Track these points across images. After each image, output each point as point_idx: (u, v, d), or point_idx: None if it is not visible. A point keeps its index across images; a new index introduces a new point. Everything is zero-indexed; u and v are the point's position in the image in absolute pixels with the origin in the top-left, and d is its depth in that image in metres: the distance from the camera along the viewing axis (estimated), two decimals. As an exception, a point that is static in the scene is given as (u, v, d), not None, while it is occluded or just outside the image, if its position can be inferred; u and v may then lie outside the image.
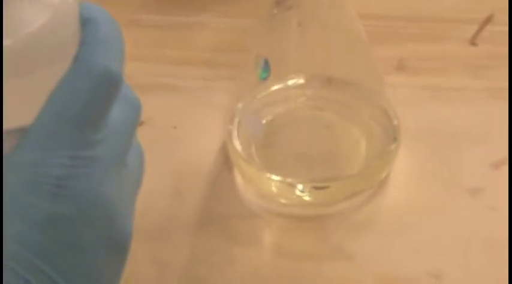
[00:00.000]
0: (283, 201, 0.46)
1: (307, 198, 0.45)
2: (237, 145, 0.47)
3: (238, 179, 0.48)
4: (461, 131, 0.50)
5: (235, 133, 0.48)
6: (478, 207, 0.45)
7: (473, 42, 0.51)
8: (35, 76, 0.33)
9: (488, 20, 0.52)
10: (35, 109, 0.33)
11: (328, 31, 0.46)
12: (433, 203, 0.47)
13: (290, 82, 0.49)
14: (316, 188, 0.46)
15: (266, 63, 0.45)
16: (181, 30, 0.61)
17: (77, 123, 0.33)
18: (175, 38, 0.60)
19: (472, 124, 0.51)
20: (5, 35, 0.31)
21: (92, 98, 0.33)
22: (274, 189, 0.46)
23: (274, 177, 0.45)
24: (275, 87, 0.48)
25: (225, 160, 0.49)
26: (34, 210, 0.33)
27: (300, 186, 0.45)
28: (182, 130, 0.53)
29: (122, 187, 0.36)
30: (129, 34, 0.54)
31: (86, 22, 0.34)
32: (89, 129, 0.33)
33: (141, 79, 0.53)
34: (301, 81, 0.49)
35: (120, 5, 0.61)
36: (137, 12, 0.61)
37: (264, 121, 0.48)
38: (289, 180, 0.45)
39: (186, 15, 0.62)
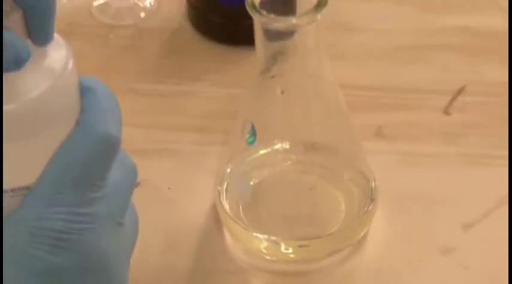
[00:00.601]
0: (268, 257, 0.48)
1: (291, 255, 0.48)
2: (226, 205, 0.49)
3: (227, 236, 0.50)
4: (434, 194, 0.53)
5: (223, 194, 0.50)
6: (450, 265, 0.48)
7: (446, 111, 0.54)
8: (38, 139, 0.35)
9: (460, 91, 0.55)
10: (38, 170, 0.35)
11: (309, 99, 0.49)
12: (408, 261, 0.50)
13: (276, 147, 0.51)
14: (299, 246, 0.48)
15: (253, 128, 0.48)
16: (176, 98, 0.62)
17: (78, 182, 0.35)
18: (170, 105, 0.62)
19: (445, 188, 0.53)
20: (8, 100, 0.34)
21: (92, 160, 0.35)
22: (260, 246, 0.48)
23: (260, 236, 0.47)
24: (262, 152, 0.51)
25: (215, 219, 0.51)
26: (34, 259, 0.34)
27: (284, 244, 0.47)
28: (176, 190, 0.55)
29: (119, 243, 0.38)
30: (128, 101, 0.56)
31: (85, 91, 0.36)
32: (88, 188, 0.35)
33: (139, 144, 0.58)
34: (287, 146, 0.51)
35: (120, 73, 0.64)
36: (135, 81, 0.63)
37: (251, 183, 0.51)
38: (274, 238, 0.47)
39: (180, 84, 0.64)
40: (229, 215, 0.49)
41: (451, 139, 0.56)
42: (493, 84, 0.61)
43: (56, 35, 0.37)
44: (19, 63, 0.34)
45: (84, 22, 0.70)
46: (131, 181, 0.39)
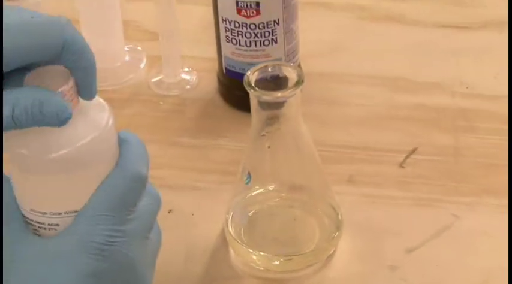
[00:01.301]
0: (261, 268, 0.58)
1: (277, 267, 0.58)
2: (231, 229, 0.59)
3: (231, 252, 0.59)
4: (386, 225, 0.61)
5: (229, 221, 0.60)
6: (394, 279, 0.57)
7: (401, 165, 0.64)
8: (86, 174, 0.42)
9: (413, 151, 0.65)
10: (85, 198, 0.42)
11: (291, 152, 0.57)
12: (363, 275, 0.59)
13: (267, 187, 0.61)
14: (284, 260, 0.57)
15: (249, 173, 0.57)
16: (205, 149, 0.71)
17: (116, 207, 0.42)
18: (201, 154, 0.71)
19: (394, 221, 0.61)
20: (63, 145, 0.41)
21: (126, 192, 0.43)
22: (255, 259, 0.57)
23: (255, 252, 0.57)
24: (257, 191, 0.60)
25: (223, 239, 0.60)
26: (81, 264, 0.42)
27: (272, 258, 0.57)
28: (197, 216, 0.63)
29: (145, 253, 0.45)
30: (171, 150, 0.69)
31: (122, 141, 0.44)
32: (123, 212, 0.42)
33: (175, 181, 0.67)
34: (275, 187, 0.61)
35: (167, 130, 0.74)
36: (178, 136, 0.72)
37: (250, 214, 0.60)
38: (265, 254, 0.57)
39: (209, 139, 0.73)
40: (233, 237, 0.58)
41: (403, 186, 0.65)
42: (439, 146, 0.69)
43: (101, 100, 0.46)
44: (62, 121, 0.42)
45: (143, 92, 0.79)
46: (156, 206, 0.46)
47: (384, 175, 0.67)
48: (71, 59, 0.44)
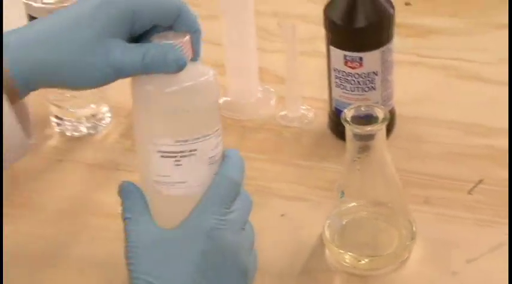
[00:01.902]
0: (349, 265, 0.65)
1: (363, 266, 0.65)
2: (327, 233, 0.66)
3: (327, 252, 0.67)
4: (451, 239, 0.66)
5: (327, 227, 0.66)
6: (455, 282, 0.63)
7: (470, 192, 0.69)
8: (201, 105, 0.50)
9: (479, 182, 0.69)
10: (210, 123, 0.50)
11: (376, 175, 0.63)
12: (430, 278, 0.65)
13: (359, 202, 0.67)
14: (368, 260, 0.65)
15: (343, 191, 0.65)
16: (314, 169, 0.78)
17: (222, 203, 0.50)
18: (310, 173, 0.78)
19: (458, 236, 0.67)
20: (188, 78, 0.49)
21: (226, 193, 0.50)
22: (345, 259, 0.65)
23: (346, 253, 0.65)
24: (350, 205, 0.67)
25: (321, 241, 0.68)
26: (196, 243, 0.49)
27: (359, 258, 0.64)
28: (303, 221, 0.71)
29: (241, 240, 0.52)
30: (288, 169, 0.78)
31: (226, 156, 0.52)
32: (226, 206, 0.50)
33: (288, 192, 0.75)
34: (365, 202, 0.67)
35: (286, 153, 0.81)
36: (295, 158, 0.79)
37: (343, 222, 0.67)
38: (354, 255, 0.64)
39: (317, 162, 0.79)
40: (328, 240, 0.66)
41: (469, 209, 0.71)
42: (500, 179, 0.74)
43: (206, 66, 0.52)
44: (179, 67, 0.48)
45: (271, 123, 0.85)
46: (248, 206, 0.53)
47: (455, 200, 0.73)
48: (186, 24, 0.51)
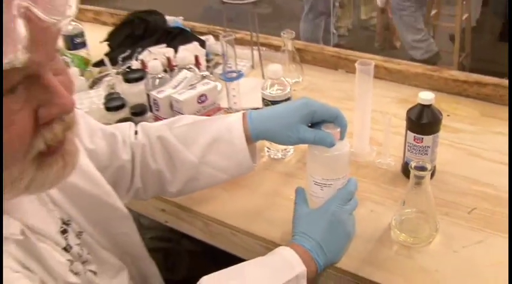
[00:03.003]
0: (402, 240, 1.03)
1: (410, 242, 1.03)
2: (393, 223, 1.06)
3: (392, 233, 1.05)
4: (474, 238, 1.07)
5: (393, 220, 1.06)
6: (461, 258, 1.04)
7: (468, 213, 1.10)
8: (340, 165, 0.89)
9: None
10: (340, 173, 0.88)
11: (421, 196, 0.99)
12: (444, 254, 0.99)
13: (411, 209, 1.04)
14: (412, 239, 1.04)
15: (404, 201, 1.02)
16: (386, 190, 1.14)
17: (342, 200, 0.92)
18: (393, 193, 1.11)
19: (467, 238, 1.07)
20: (335, 150, 0.87)
21: (346, 196, 0.93)
22: (401, 237, 1.04)
23: (401, 234, 1.05)
24: (407, 210, 1.04)
25: (389, 227, 1.07)
26: (324, 220, 0.87)
27: (408, 238, 1.04)
28: (382, 215, 1.07)
29: (350, 223, 0.92)
30: (378, 190, 1.25)
31: (349, 179, 0.94)
32: (344, 202, 0.92)
33: (378, 199, 1.14)
34: (414, 209, 1.03)
35: (380, 185, 1.17)
36: (402, 188, 1.12)
37: (402, 218, 1.05)
38: (405, 235, 1.04)
39: (391, 186, 1.16)
40: (393, 226, 1.05)
41: (465, 219, 1.06)
42: (489, 207, 1.07)
43: (347, 143, 0.88)
44: (331, 144, 0.86)
45: (372, 165, 1.23)
46: (355, 204, 0.93)
47: (459, 215, 1.09)
48: (339, 122, 0.84)
